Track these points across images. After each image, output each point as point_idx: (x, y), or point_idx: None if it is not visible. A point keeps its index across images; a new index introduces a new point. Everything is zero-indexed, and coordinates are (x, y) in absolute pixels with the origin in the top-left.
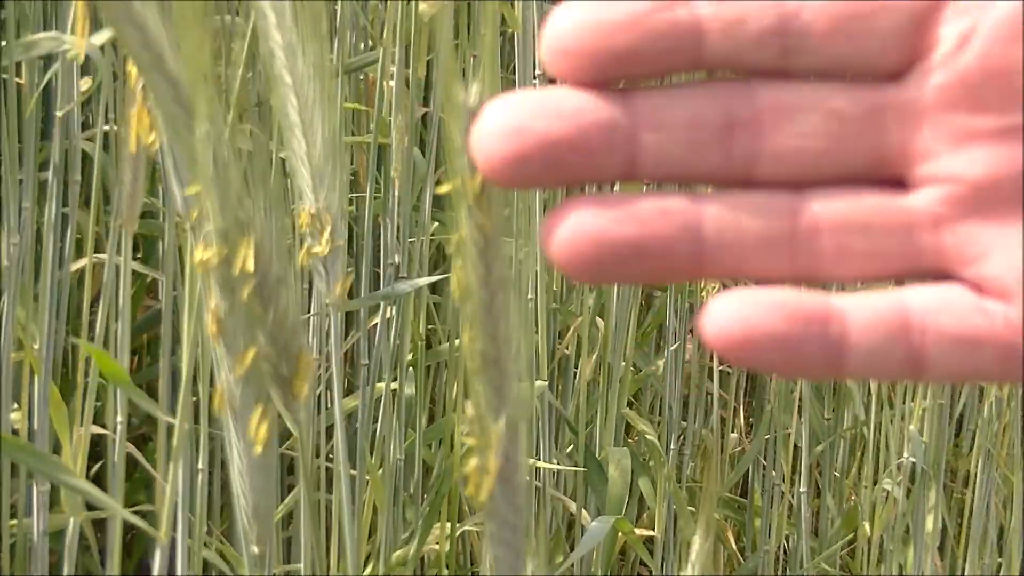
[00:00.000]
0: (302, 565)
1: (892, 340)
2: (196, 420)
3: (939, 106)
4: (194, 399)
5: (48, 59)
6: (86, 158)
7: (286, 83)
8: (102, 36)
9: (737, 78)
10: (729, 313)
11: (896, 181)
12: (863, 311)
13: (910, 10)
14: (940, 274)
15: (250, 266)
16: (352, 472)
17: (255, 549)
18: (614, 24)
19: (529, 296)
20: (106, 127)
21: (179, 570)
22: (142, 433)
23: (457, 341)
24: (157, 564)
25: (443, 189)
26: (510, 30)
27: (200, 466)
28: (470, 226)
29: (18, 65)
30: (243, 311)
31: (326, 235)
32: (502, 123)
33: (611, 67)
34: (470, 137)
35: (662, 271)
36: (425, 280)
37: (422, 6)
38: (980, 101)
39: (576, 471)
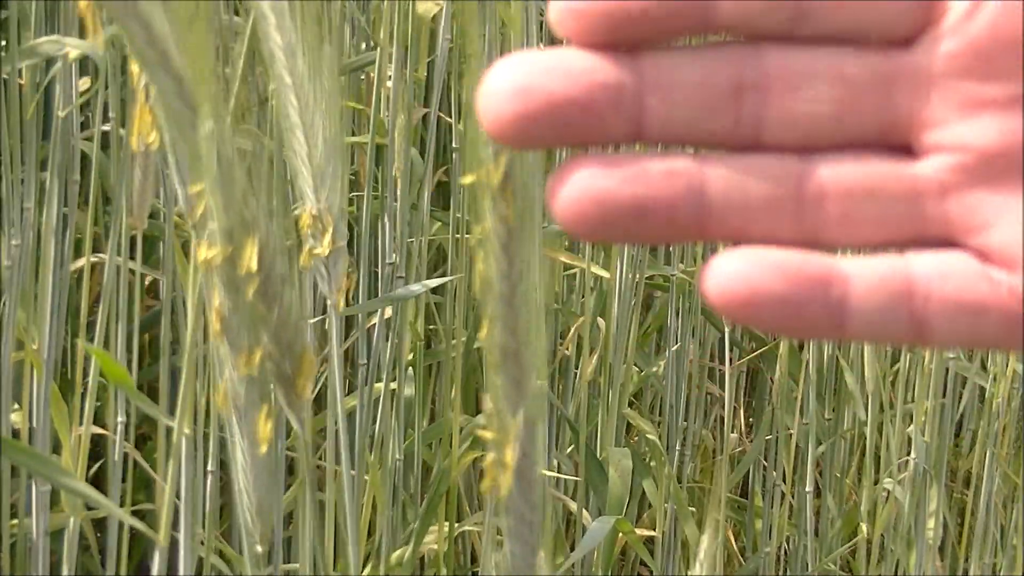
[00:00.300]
0: (300, 565)
1: (895, 304)
2: (195, 421)
3: (949, 73)
4: (193, 400)
5: (48, 59)
6: (84, 158)
7: (286, 84)
8: (103, 36)
9: (746, 42)
10: (732, 272)
11: (904, 148)
12: (866, 274)
13: None
14: (946, 242)
15: (254, 265)
16: (351, 472)
17: (259, 548)
18: None
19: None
20: (106, 127)
21: (181, 571)
22: (141, 433)
23: (454, 342)
24: (156, 565)
25: (466, 180)
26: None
27: (211, 467)
28: (493, 218)
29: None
30: (247, 310)
31: (328, 236)
32: (509, 82)
33: (621, 28)
34: (477, 96)
35: (666, 231)
36: (433, 282)
37: (420, 6)
38: (990, 69)
39: (577, 471)
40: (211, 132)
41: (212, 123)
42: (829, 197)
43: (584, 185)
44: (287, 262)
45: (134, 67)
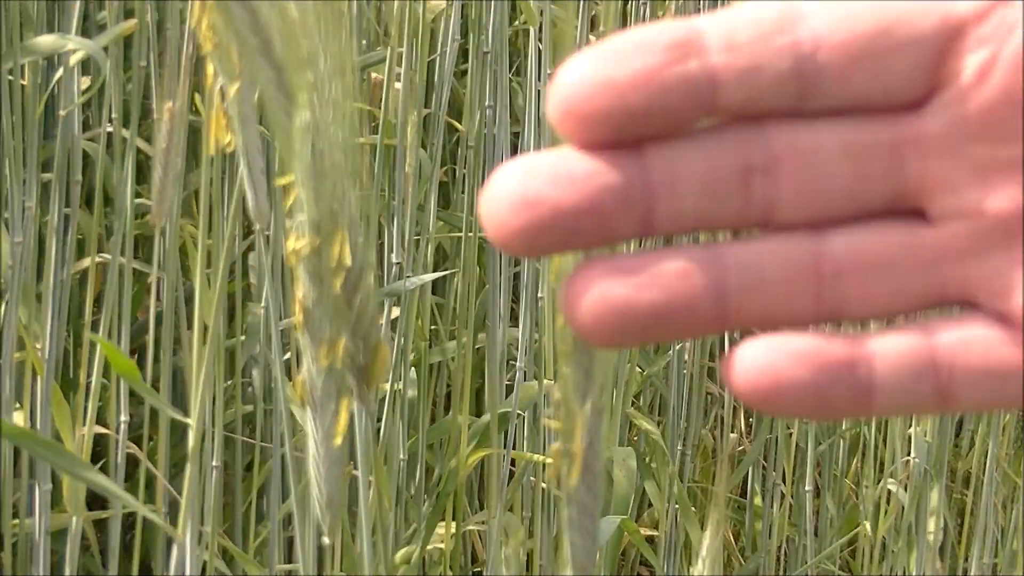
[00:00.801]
0: (303, 565)
1: (920, 377)
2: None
3: (960, 138)
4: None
5: (50, 59)
6: (85, 158)
7: (308, 82)
8: (106, 37)
9: (750, 122)
10: (757, 362)
11: (917, 212)
12: (890, 351)
13: (931, 43)
14: (966, 305)
15: (347, 258)
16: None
17: (326, 539)
18: (626, 82)
19: (540, 295)
20: (109, 128)
21: (187, 570)
22: (141, 434)
23: (454, 341)
24: (174, 564)
25: None
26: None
27: (215, 463)
28: None
29: (22, 66)
30: (331, 302)
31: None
32: (513, 192)
33: (624, 127)
34: (480, 205)
35: (687, 330)
36: (436, 275)
37: (432, 5)
38: (1002, 133)
39: None
40: (307, 123)
41: (309, 113)
42: (847, 272)
43: (601, 294)
44: (368, 254)
45: (210, 68)
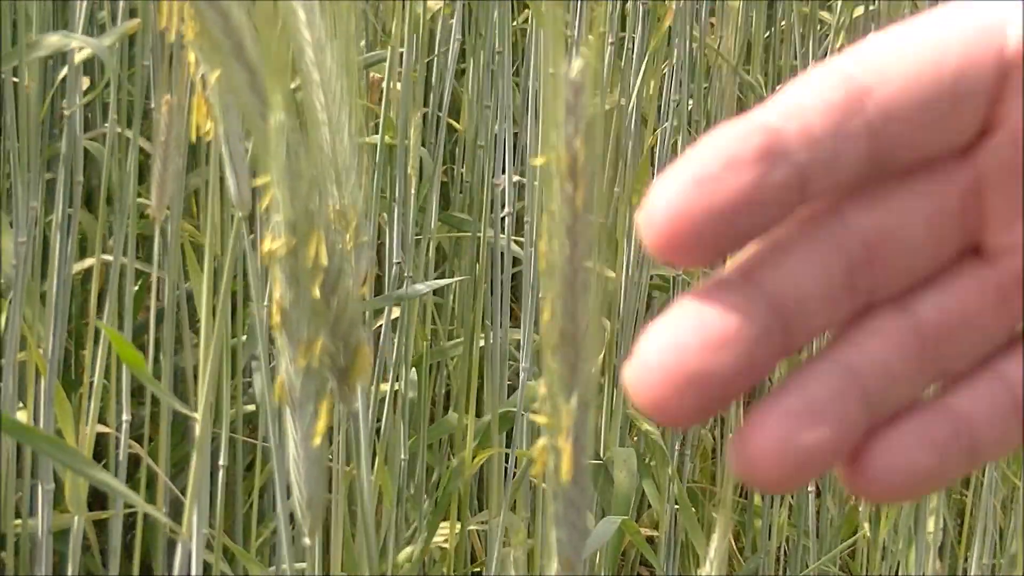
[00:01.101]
0: (307, 565)
1: (1012, 417)
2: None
3: (1011, 176)
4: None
5: (54, 59)
6: (86, 157)
7: (314, 80)
8: (110, 36)
9: (829, 211)
10: (895, 463)
11: (973, 248)
12: (979, 403)
13: (989, 89)
14: None
15: (324, 258)
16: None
17: (307, 541)
18: (727, 205)
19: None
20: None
21: (193, 569)
22: (141, 434)
23: (457, 340)
24: (178, 563)
25: (537, 162)
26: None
27: (222, 462)
28: (561, 200)
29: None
30: (308, 302)
31: (351, 231)
32: (665, 367)
33: (727, 247)
34: (625, 378)
35: (834, 452)
36: (440, 283)
37: (431, 5)
38: None
39: None
40: (281, 124)
41: (282, 115)
42: (943, 338)
43: (781, 442)
44: (346, 255)
45: (190, 56)
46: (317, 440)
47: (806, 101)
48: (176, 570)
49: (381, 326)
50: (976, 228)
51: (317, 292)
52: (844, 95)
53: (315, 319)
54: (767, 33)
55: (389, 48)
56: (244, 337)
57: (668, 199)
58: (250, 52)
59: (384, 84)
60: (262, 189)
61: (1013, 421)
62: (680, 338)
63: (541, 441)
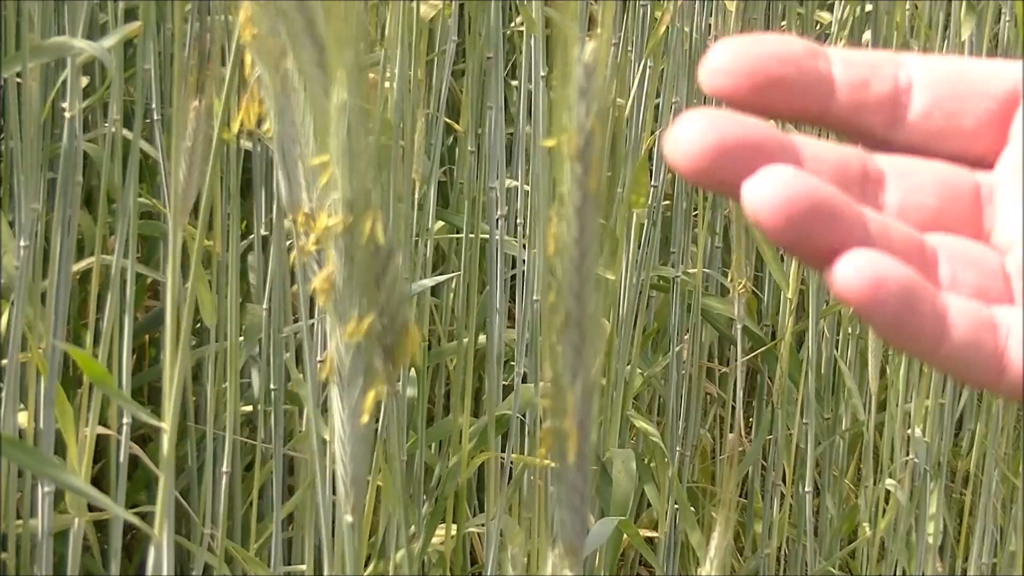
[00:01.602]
0: (307, 565)
1: (984, 336)
2: (197, 421)
3: (1015, 183)
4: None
5: (56, 61)
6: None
7: (348, 60)
8: (111, 39)
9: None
10: (862, 268)
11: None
12: (961, 305)
13: (1001, 101)
14: None
15: (380, 236)
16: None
17: (349, 518)
18: (774, 55)
19: (535, 298)
20: (112, 129)
21: (197, 570)
22: (141, 434)
23: (456, 342)
24: (151, 565)
25: (548, 143)
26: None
27: (225, 468)
28: (571, 182)
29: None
30: (362, 279)
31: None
32: (703, 137)
33: (765, 91)
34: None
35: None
36: (435, 280)
37: (423, 7)
38: None
39: None
40: (343, 101)
41: (345, 94)
42: (941, 261)
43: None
44: (397, 235)
45: (247, 57)
46: (365, 417)
47: (852, 51)
48: (150, 570)
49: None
50: (988, 229)
51: (368, 265)
52: (885, 55)
53: (367, 296)
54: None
55: (383, 49)
56: (241, 338)
57: (733, 44)
58: (320, 28)
59: (379, 84)
60: (319, 169)
61: (985, 343)
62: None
63: (545, 424)
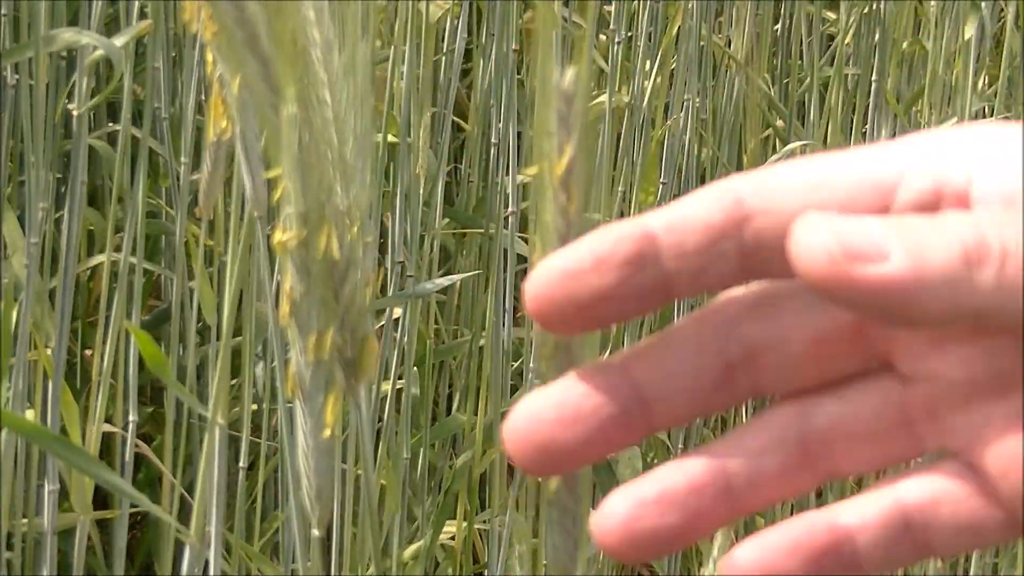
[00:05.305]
0: (310, 565)
1: (898, 541)
2: (202, 419)
3: None
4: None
5: (66, 59)
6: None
7: (321, 80)
8: (123, 36)
9: (721, 319)
10: (752, 561)
11: (888, 366)
12: (866, 524)
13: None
14: (946, 454)
15: (335, 250)
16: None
17: (316, 532)
18: (586, 302)
19: None
20: (117, 126)
21: (211, 570)
22: (143, 433)
23: (461, 340)
24: (186, 564)
25: (530, 171)
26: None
27: (242, 464)
28: (553, 209)
29: (33, 67)
30: (318, 294)
31: (355, 230)
32: (530, 436)
33: (589, 325)
34: (503, 437)
35: (704, 533)
36: (445, 280)
37: (431, 7)
38: None
39: None
40: (293, 116)
41: (294, 107)
42: (836, 445)
43: (629, 522)
44: (355, 248)
45: (209, 56)
46: (327, 432)
47: (690, 216)
48: (184, 570)
49: (383, 325)
50: (886, 354)
51: (324, 279)
52: (724, 218)
53: (325, 311)
54: (776, 26)
55: (392, 47)
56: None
57: (541, 282)
58: (264, 44)
59: (388, 82)
60: (274, 181)
61: (901, 545)
62: (542, 412)
63: None
